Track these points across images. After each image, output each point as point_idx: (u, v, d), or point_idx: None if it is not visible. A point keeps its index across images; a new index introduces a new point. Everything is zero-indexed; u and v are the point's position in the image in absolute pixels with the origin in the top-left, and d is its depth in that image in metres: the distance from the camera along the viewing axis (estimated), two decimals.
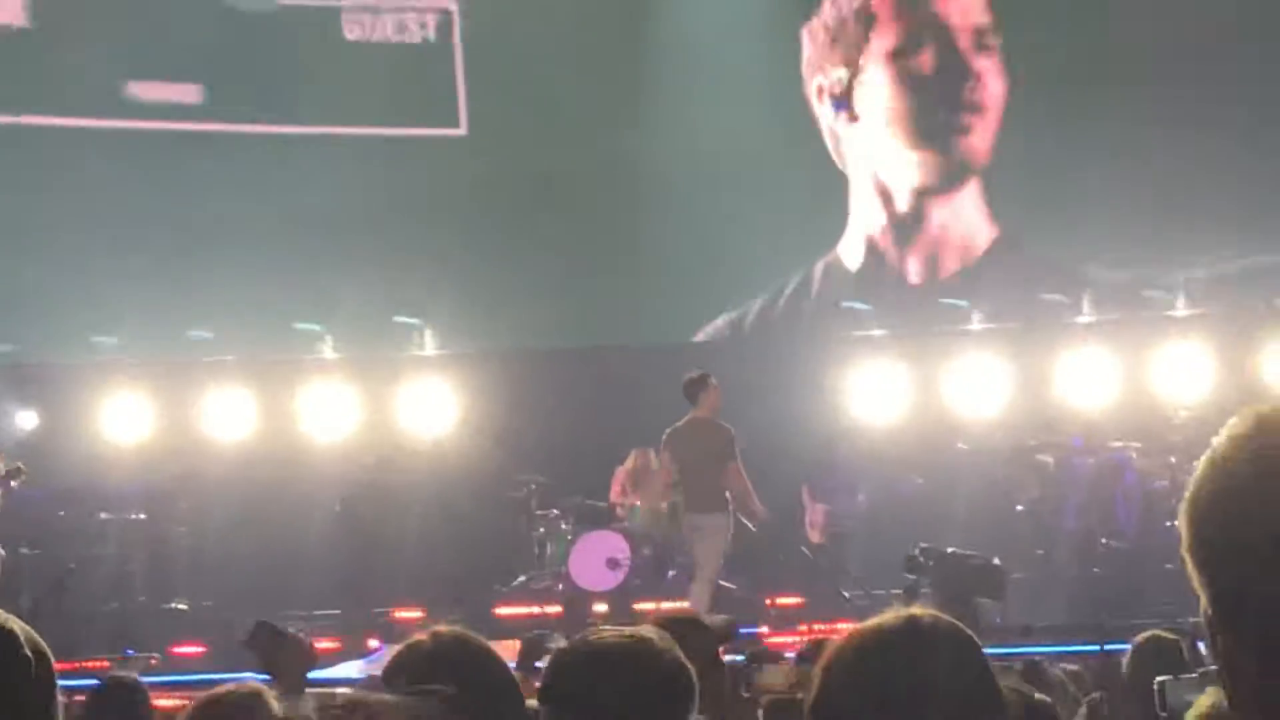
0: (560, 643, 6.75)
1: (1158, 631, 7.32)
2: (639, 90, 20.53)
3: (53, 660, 2.89)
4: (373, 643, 16.15)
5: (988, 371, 18.64)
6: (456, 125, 21.18)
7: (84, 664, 14.54)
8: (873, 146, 21.34)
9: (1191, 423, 17.44)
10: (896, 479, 18.62)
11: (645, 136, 20.13)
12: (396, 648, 4.16)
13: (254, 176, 19.87)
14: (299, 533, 18.25)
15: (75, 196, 19.54)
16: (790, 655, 9.02)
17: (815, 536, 18.13)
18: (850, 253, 21.19)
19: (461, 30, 21.18)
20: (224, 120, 20.72)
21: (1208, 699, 5.28)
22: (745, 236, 19.80)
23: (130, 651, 16.27)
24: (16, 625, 2.77)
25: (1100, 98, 19.51)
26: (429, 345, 19.81)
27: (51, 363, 19.08)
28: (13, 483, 16.01)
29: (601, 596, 16.76)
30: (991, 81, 20.82)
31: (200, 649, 16.54)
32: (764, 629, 15.90)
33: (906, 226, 21.18)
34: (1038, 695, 4.73)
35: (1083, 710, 6.75)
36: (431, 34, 21.31)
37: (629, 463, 17.84)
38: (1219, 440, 1.77)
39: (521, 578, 17.79)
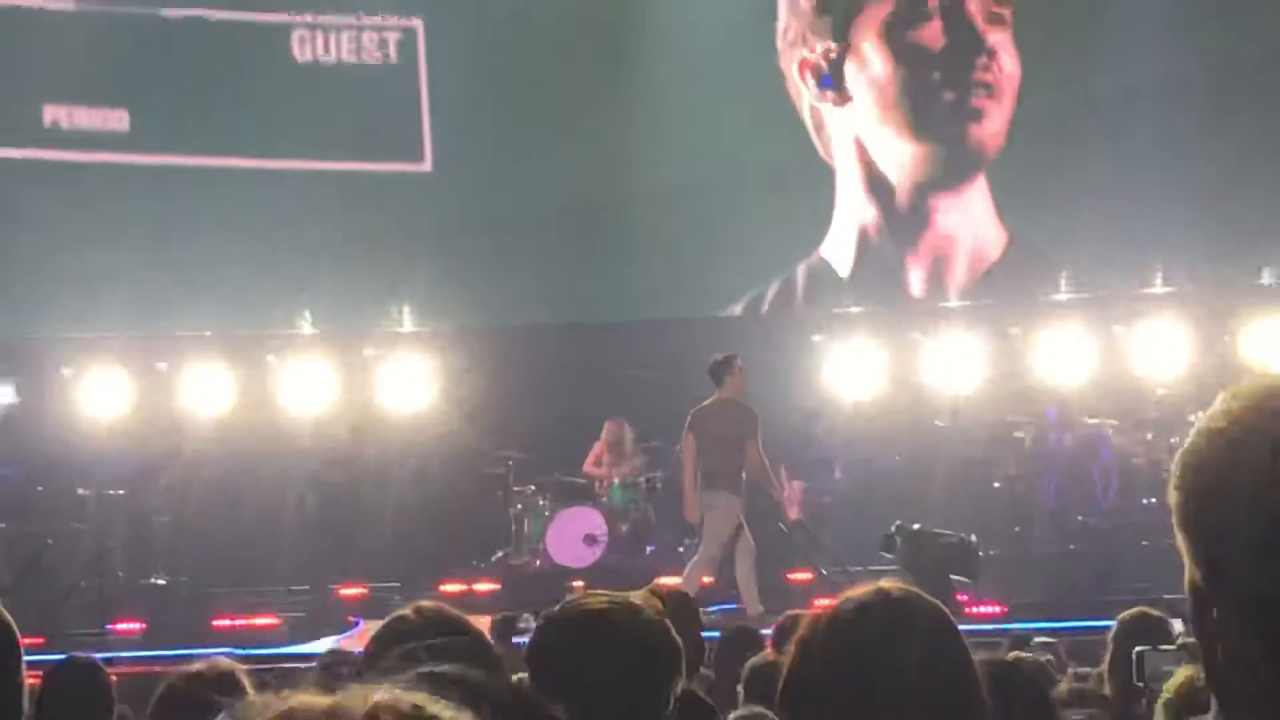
0: (531, 622, 6.78)
1: (1144, 608, 7.34)
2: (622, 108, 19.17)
3: (15, 630, 2.88)
4: (350, 617, 16.16)
5: (965, 348, 18.63)
6: (420, 160, 19.67)
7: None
8: (866, 133, 19.38)
9: (1168, 400, 17.50)
10: (874, 456, 18.64)
11: (629, 139, 19.58)
12: (378, 622, 4.18)
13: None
14: (277, 508, 18.24)
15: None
16: (767, 631, 9.06)
17: (793, 513, 18.15)
18: (839, 255, 19.63)
19: (428, 51, 19.45)
20: (150, 151, 19.08)
21: (1185, 672, 5.31)
22: (732, 220, 19.39)
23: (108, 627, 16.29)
24: None
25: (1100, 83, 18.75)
26: (407, 322, 19.77)
27: (29, 337, 19.00)
28: None
29: (578, 573, 16.78)
30: (1005, 59, 18.99)
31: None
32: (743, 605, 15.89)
33: (907, 227, 19.50)
34: (1017, 655, 4.75)
35: (1063, 685, 6.78)
36: (393, 55, 19.56)
37: (605, 435, 17.86)
38: (1217, 408, 1.77)
39: (499, 553, 17.81)
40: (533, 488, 17.75)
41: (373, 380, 19.07)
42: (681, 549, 17.56)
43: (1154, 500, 16.52)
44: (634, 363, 18.38)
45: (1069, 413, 18.12)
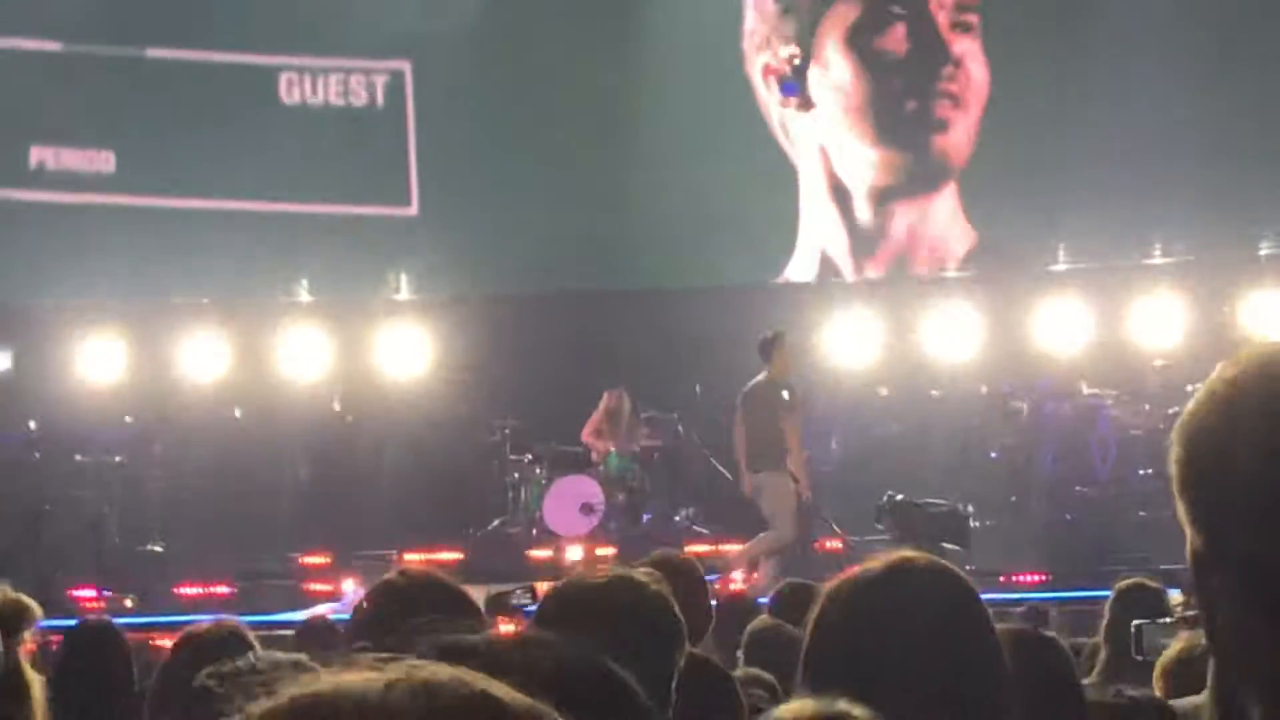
0: (523, 598, 6.78)
1: (1140, 578, 7.36)
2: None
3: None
4: (347, 584, 16.16)
5: (963, 319, 18.63)
6: (407, 204, 19.46)
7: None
8: (830, 140, 19.06)
9: (1166, 371, 17.51)
10: (871, 425, 18.65)
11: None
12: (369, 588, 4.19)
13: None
14: (274, 475, 18.26)
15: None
16: (763, 601, 9.05)
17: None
18: (802, 273, 19.45)
19: (415, 94, 19.22)
20: (137, 192, 18.90)
21: (1183, 643, 5.32)
22: (725, 190, 19.31)
23: (106, 592, 16.30)
24: None
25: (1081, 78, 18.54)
26: (404, 289, 19.75)
27: (26, 303, 18.98)
28: None
29: (575, 541, 16.81)
30: (972, 67, 18.76)
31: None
32: (737, 575, 15.90)
33: (868, 238, 19.28)
34: (1040, 630, 4.76)
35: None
36: (380, 98, 19.37)
37: (602, 404, 17.86)
38: (1217, 374, 1.77)
39: (495, 522, 17.82)
40: (529, 456, 17.75)
41: (370, 348, 19.07)
42: (678, 518, 17.59)
43: (1151, 471, 16.55)
44: (633, 332, 18.35)
45: (1064, 383, 18.12)
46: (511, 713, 1.31)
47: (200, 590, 16.36)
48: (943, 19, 18.72)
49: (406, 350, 19.01)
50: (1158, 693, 5.15)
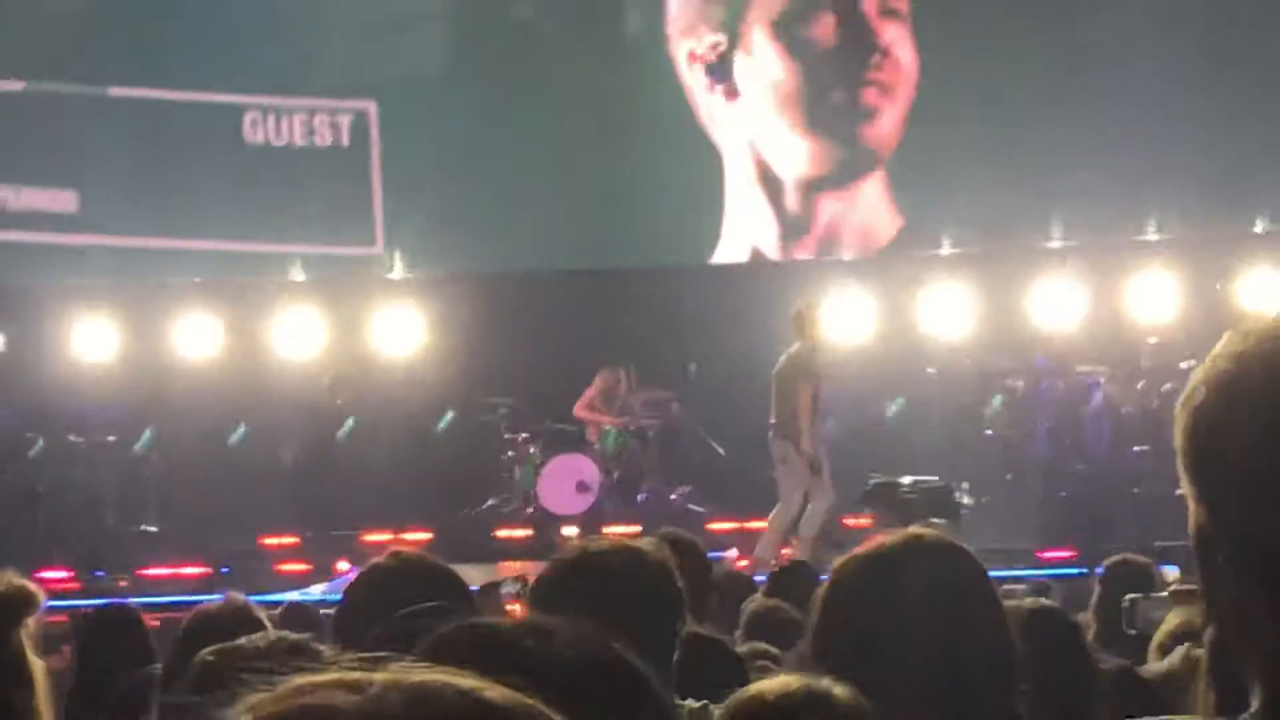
0: (513, 588, 6.79)
1: (1128, 555, 7.39)
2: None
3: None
4: (341, 565, 16.16)
5: (958, 297, 18.61)
6: (372, 243, 19.36)
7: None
8: (756, 129, 18.74)
9: (1160, 348, 17.52)
10: (865, 404, 18.63)
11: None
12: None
13: None
14: (267, 455, 18.25)
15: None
16: (761, 579, 9.07)
17: None
18: (731, 259, 19.24)
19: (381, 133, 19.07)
20: (99, 232, 18.76)
21: (1177, 618, 5.33)
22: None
23: (100, 574, 16.31)
24: None
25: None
26: (398, 268, 19.72)
27: (19, 283, 18.94)
28: None
29: (571, 520, 16.82)
30: (901, 54, 18.44)
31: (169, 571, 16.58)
32: (733, 552, 15.92)
33: (796, 225, 19.12)
34: (1043, 601, 4.80)
35: None
36: (344, 138, 19.16)
37: (598, 382, 17.86)
38: (1220, 348, 1.76)
39: (491, 501, 17.82)
40: (524, 435, 17.75)
41: (364, 327, 19.04)
42: (674, 497, 17.60)
43: (1145, 448, 16.57)
44: (629, 310, 18.32)
45: (1061, 360, 18.13)
46: (505, 717, 1.29)
47: (170, 571, 16.40)
48: (871, 6, 18.50)
49: (400, 328, 18.95)
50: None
